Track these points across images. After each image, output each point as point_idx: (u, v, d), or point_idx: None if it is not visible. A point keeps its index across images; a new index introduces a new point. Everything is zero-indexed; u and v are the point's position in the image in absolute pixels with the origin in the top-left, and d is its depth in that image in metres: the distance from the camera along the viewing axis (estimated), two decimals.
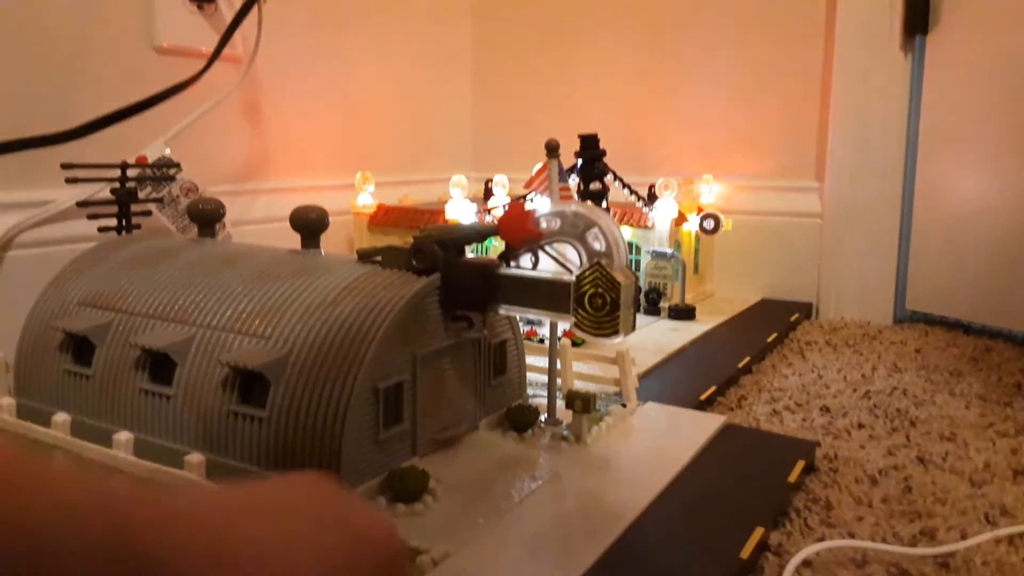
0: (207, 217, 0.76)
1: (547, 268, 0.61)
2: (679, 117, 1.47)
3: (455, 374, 0.65)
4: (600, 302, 0.57)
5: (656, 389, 0.86)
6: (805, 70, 1.34)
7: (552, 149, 0.66)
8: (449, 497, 0.57)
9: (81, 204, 0.85)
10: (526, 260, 0.62)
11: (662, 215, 1.20)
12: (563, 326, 0.62)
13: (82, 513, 0.25)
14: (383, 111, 1.48)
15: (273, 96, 1.24)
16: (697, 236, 1.29)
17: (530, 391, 0.77)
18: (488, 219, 1.18)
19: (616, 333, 0.57)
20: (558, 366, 0.73)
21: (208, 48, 1.06)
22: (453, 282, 0.61)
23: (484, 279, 0.61)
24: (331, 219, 0.71)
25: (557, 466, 0.62)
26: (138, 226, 0.86)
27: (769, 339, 1.09)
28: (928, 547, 0.56)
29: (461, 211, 1.24)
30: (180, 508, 0.28)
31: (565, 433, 0.68)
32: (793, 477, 0.64)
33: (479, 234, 0.65)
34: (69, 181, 0.83)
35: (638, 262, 1.22)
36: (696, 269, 1.33)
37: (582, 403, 0.66)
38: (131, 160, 0.89)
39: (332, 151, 1.37)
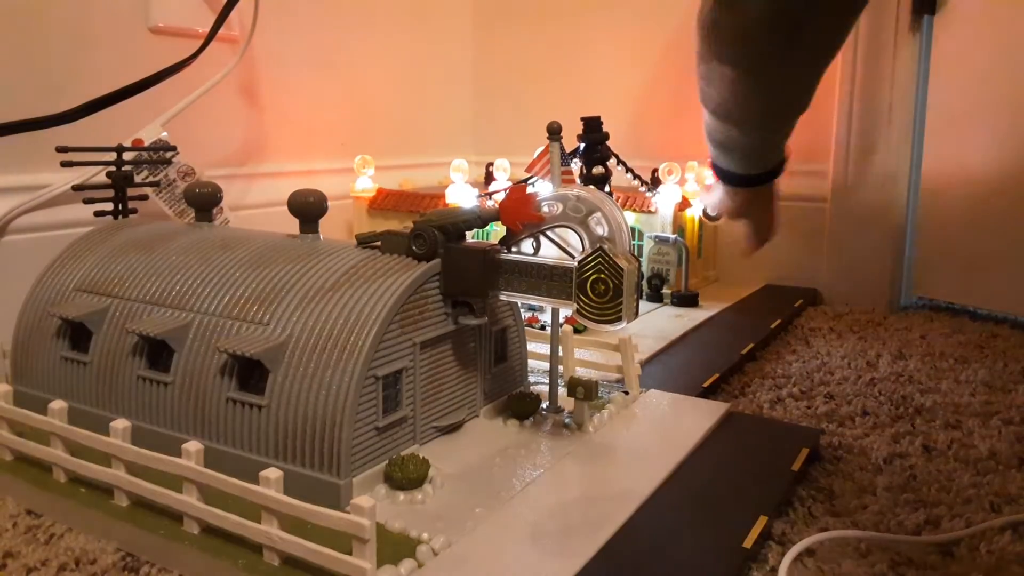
0: (204, 201, 0.75)
1: (549, 253, 0.60)
2: (683, 100, 1.45)
3: (456, 361, 0.64)
4: (602, 288, 0.56)
5: (659, 376, 0.85)
6: None
7: (554, 132, 0.65)
8: (450, 485, 0.56)
9: (77, 188, 0.84)
10: (527, 245, 0.61)
11: (665, 200, 1.19)
12: (565, 312, 0.61)
13: None
14: (383, 93, 1.46)
15: (271, 78, 1.22)
16: (700, 221, 1.28)
17: (531, 378, 0.76)
18: (489, 204, 1.17)
19: (618, 320, 0.56)
20: (560, 353, 0.72)
21: (204, 28, 1.04)
22: (453, 268, 0.61)
23: (485, 265, 0.60)
24: (330, 203, 0.69)
25: (559, 454, 0.62)
26: (134, 210, 0.85)
27: (773, 325, 1.08)
28: (932, 535, 0.55)
29: (462, 195, 1.22)
30: None
31: (567, 421, 0.68)
32: (797, 465, 0.63)
33: (480, 219, 0.64)
34: (64, 165, 0.82)
35: (641, 247, 1.21)
36: (699, 254, 1.32)
37: (584, 390, 0.66)
38: (127, 143, 0.88)
39: (331, 134, 1.35)
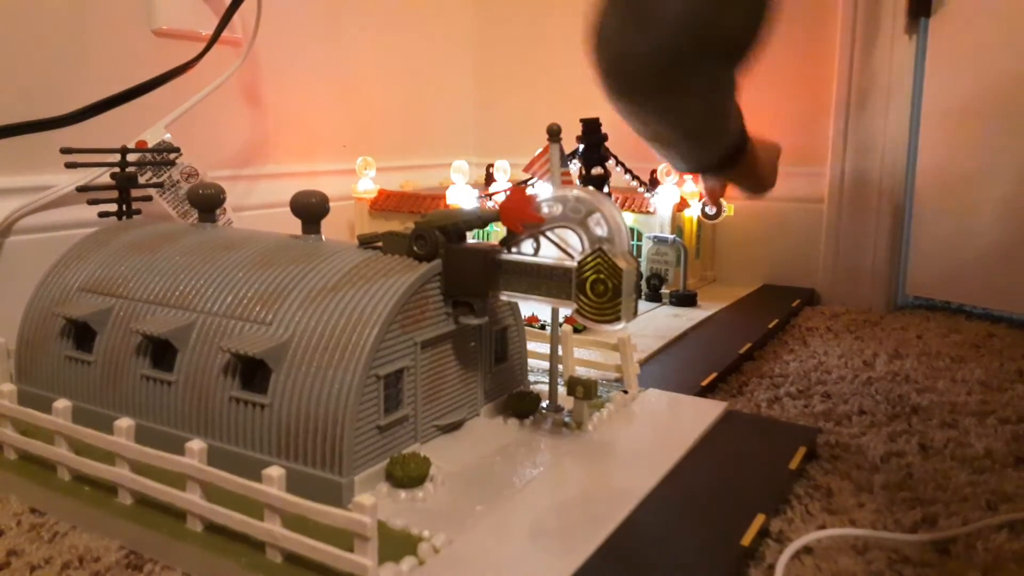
0: (207, 202, 0.76)
1: (549, 254, 0.60)
2: None
3: (456, 360, 0.65)
4: (602, 288, 0.57)
5: (657, 375, 0.86)
6: (807, 53, 1.33)
7: (554, 133, 0.66)
8: (450, 483, 0.57)
9: (81, 189, 0.85)
10: (527, 246, 0.61)
11: (664, 201, 1.19)
12: (565, 312, 0.61)
13: None
14: (384, 95, 1.47)
15: (273, 80, 1.23)
16: (699, 222, 1.29)
17: (531, 377, 0.77)
18: (489, 205, 1.18)
19: (617, 319, 0.57)
20: (559, 352, 0.72)
21: (207, 31, 1.05)
22: (454, 268, 0.61)
23: (485, 265, 0.60)
24: (332, 204, 0.70)
25: (558, 453, 0.62)
26: (138, 211, 0.86)
27: (770, 325, 1.09)
28: (929, 534, 0.56)
29: (462, 196, 1.23)
30: None
31: (566, 420, 0.68)
32: (794, 464, 0.63)
33: (480, 220, 0.65)
34: (69, 166, 0.82)
35: (639, 248, 1.22)
36: (698, 255, 1.32)
37: (583, 389, 0.66)
38: (131, 145, 0.89)
39: (333, 136, 1.36)
